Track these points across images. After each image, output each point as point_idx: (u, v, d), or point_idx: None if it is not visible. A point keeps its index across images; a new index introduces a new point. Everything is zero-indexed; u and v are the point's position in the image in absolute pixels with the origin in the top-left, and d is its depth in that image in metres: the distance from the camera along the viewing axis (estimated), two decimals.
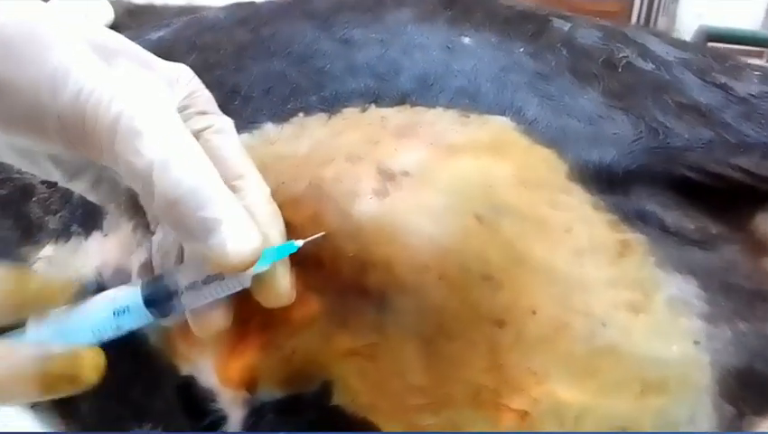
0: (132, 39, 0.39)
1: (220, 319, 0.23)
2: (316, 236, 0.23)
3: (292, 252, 0.23)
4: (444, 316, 0.23)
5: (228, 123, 0.24)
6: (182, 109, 0.23)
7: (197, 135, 0.24)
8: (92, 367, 0.21)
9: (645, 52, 0.34)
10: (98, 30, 0.22)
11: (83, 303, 0.22)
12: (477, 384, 0.23)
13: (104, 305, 0.22)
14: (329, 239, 0.24)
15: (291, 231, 0.24)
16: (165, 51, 0.34)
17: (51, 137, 0.21)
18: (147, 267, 0.25)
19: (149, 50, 0.36)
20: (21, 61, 0.20)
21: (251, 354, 0.25)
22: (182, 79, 0.24)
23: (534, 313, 0.22)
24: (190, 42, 0.34)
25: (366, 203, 0.24)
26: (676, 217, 0.25)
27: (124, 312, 0.22)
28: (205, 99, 0.24)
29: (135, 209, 0.26)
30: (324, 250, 0.24)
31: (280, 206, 0.25)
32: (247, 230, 0.21)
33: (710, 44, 1.16)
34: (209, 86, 0.31)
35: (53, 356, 0.21)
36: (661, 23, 1.79)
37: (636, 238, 0.24)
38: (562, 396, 0.22)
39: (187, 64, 0.33)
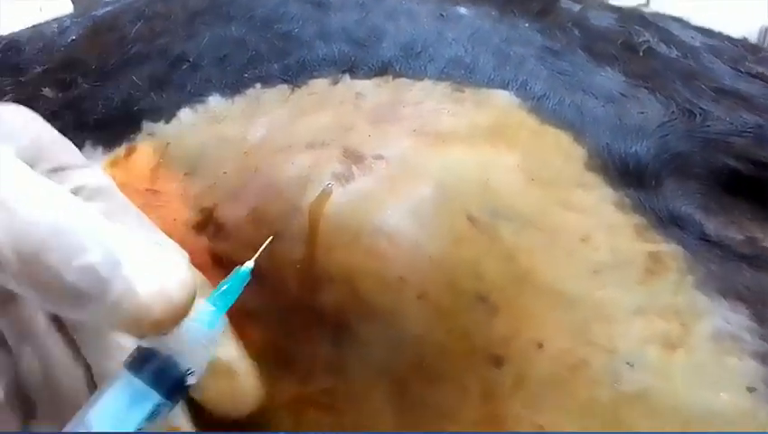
0: (79, 16, 0.34)
1: None
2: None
3: (245, 282, 0.17)
4: (425, 349, 0.19)
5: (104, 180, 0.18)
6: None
7: None
8: None
9: (669, 38, 0.31)
10: None
11: None
12: None
13: None
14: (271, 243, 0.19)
15: (224, 238, 0.20)
16: (108, 22, 0.31)
17: None
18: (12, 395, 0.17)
19: (89, 25, 0.32)
20: None
21: None
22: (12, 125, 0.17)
23: (540, 346, 0.19)
24: (138, 11, 0.31)
25: (320, 192, 0.19)
26: (719, 223, 0.21)
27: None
28: (51, 143, 0.17)
29: None
30: (264, 258, 0.19)
31: (217, 204, 0.21)
32: (162, 258, 0.15)
33: None
34: (149, 56, 0.28)
35: None
36: None
37: (671, 250, 0.20)
38: None
39: (130, 35, 0.30)
